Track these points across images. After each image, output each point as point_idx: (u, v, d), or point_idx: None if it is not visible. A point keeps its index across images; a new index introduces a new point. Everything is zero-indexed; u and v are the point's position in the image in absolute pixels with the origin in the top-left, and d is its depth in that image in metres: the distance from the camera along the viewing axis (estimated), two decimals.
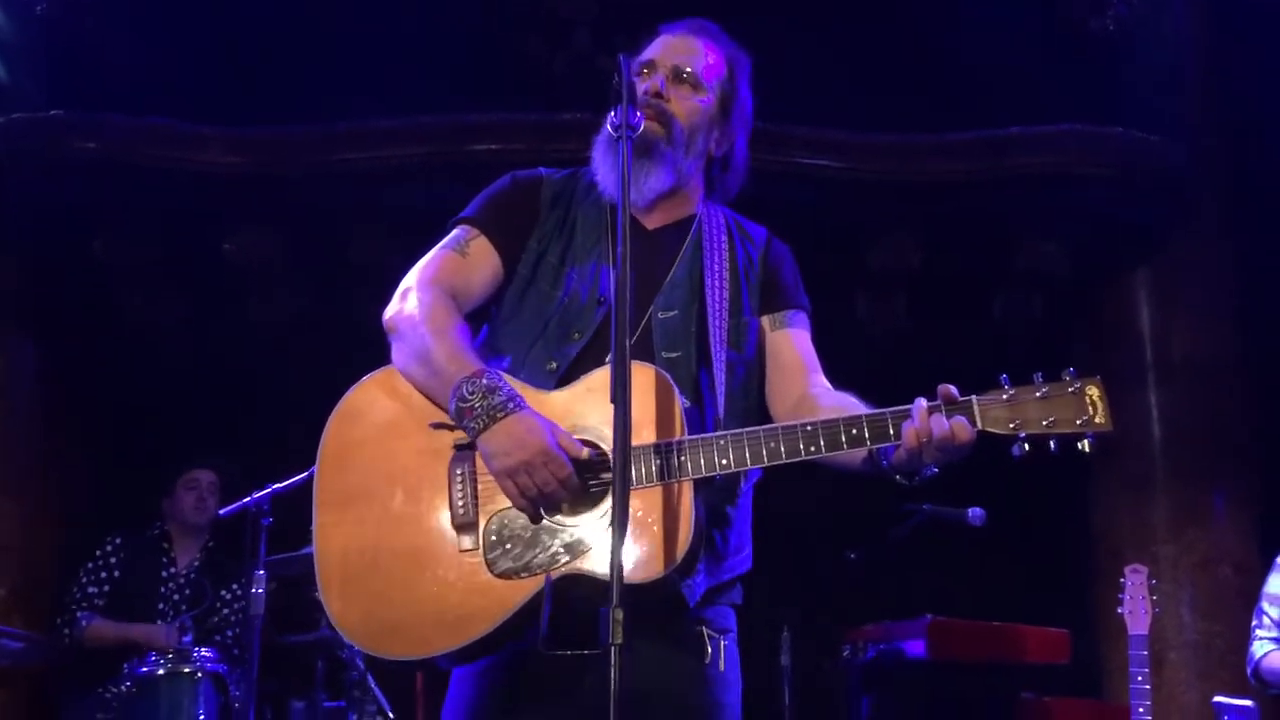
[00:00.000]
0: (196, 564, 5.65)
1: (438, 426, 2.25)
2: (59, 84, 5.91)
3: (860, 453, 2.21)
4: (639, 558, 2.10)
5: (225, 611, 5.56)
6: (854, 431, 2.16)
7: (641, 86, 2.47)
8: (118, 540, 5.59)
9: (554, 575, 2.15)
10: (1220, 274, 6.29)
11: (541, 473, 2.14)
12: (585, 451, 2.19)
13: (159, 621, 5.41)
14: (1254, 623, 4.42)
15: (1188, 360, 6.22)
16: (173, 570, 5.60)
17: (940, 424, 2.11)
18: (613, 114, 2.23)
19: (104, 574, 5.51)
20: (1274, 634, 4.33)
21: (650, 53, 2.55)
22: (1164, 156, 6.06)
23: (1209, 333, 6.25)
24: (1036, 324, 6.48)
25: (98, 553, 5.56)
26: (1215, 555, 6.01)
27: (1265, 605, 4.41)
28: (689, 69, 2.51)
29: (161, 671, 4.81)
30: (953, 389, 2.17)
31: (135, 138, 5.90)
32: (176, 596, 5.56)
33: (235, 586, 5.53)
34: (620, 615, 1.85)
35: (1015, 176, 6.04)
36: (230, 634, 5.52)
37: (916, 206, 6.18)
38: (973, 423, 2.13)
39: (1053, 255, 6.37)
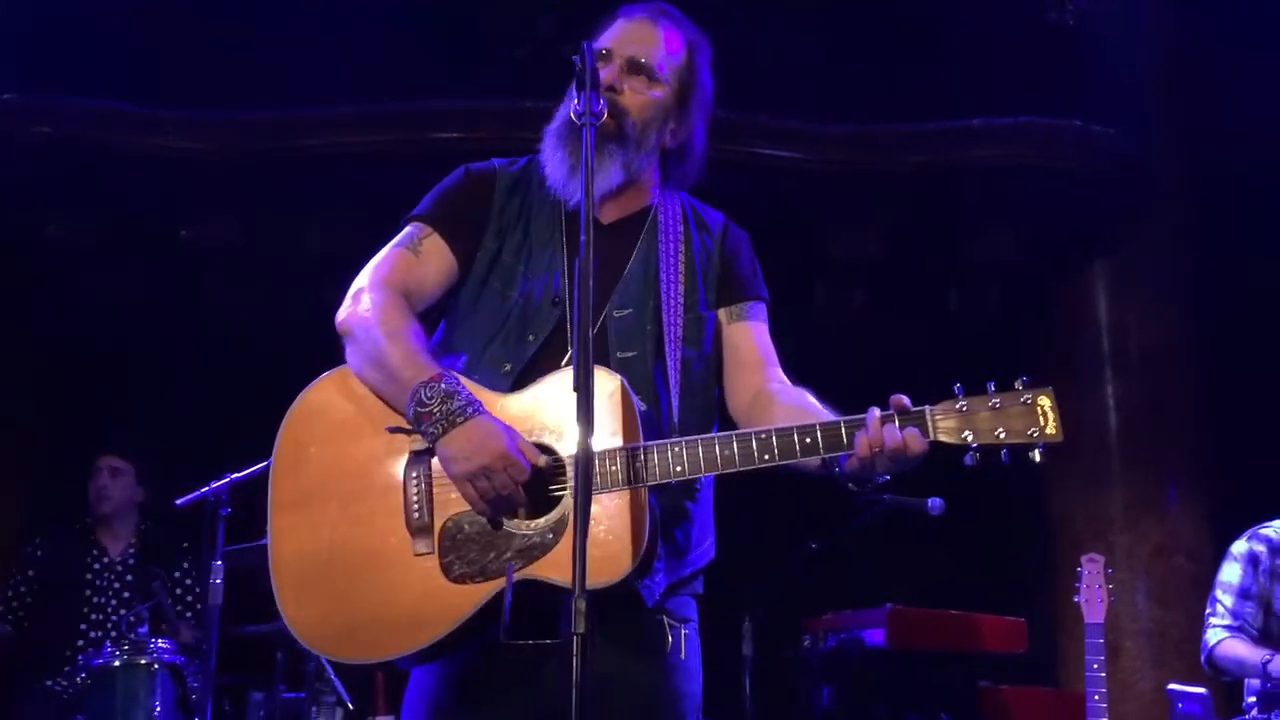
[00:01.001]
0: (133, 551, 5.55)
1: (395, 431, 2.23)
2: (13, 67, 5.81)
3: (813, 459, 2.21)
4: (594, 564, 2.06)
5: (179, 591, 5.50)
6: (808, 440, 2.15)
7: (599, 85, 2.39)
8: (37, 540, 5.51)
9: (516, 576, 2.13)
10: (1177, 266, 6.36)
11: (501, 476, 2.13)
12: (542, 459, 2.18)
13: (94, 615, 5.33)
14: (1208, 611, 4.48)
15: (1144, 352, 6.30)
16: (106, 560, 5.49)
17: (893, 434, 2.11)
18: (576, 101, 2.18)
19: (20, 577, 5.43)
20: (1227, 622, 4.39)
21: (606, 40, 2.47)
22: (1122, 149, 6.12)
23: (1166, 325, 6.32)
24: (994, 315, 6.53)
25: (19, 559, 5.47)
26: (1170, 545, 6.09)
27: (1219, 594, 4.46)
28: (645, 60, 2.44)
29: (117, 663, 4.76)
30: (905, 400, 2.17)
31: (91, 121, 5.82)
32: (117, 584, 5.46)
33: (186, 564, 5.48)
34: (583, 605, 1.85)
35: (974, 168, 6.09)
36: (189, 615, 5.46)
37: (876, 197, 6.21)
38: (925, 434, 2.14)
39: (1011, 247, 6.43)
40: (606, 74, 2.40)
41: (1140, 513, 6.15)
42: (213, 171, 5.94)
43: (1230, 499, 5.73)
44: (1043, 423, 2.16)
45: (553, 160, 2.42)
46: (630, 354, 2.34)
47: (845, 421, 2.16)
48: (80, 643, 5.26)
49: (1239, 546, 4.51)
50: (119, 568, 5.51)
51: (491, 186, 2.50)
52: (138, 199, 6.10)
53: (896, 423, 2.13)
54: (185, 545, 5.53)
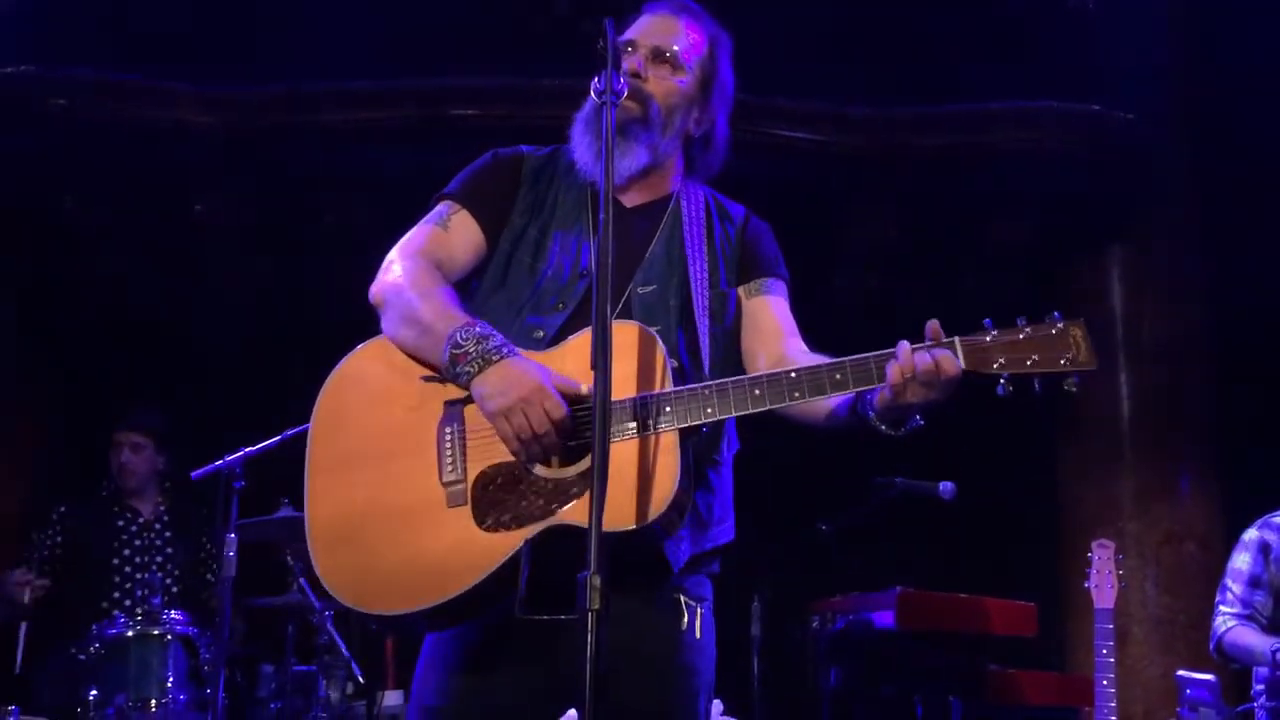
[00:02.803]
0: (164, 509, 5.57)
1: (429, 380, 2.27)
2: (30, 39, 5.82)
3: (844, 403, 2.24)
4: (621, 507, 2.10)
5: (210, 547, 5.53)
6: (838, 376, 2.17)
7: (621, 65, 2.44)
8: (62, 509, 5.49)
9: (537, 529, 2.15)
10: (1191, 253, 6.34)
11: (536, 410, 2.15)
12: (584, 387, 2.19)
13: (139, 575, 5.36)
14: (1218, 598, 4.49)
15: (1157, 339, 6.28)
16: (142, 520, 5.51)
17: (924, 358, 2.12)
18: (597, 79, 2.21)
19: (48, 543, 5.40)
20: (1237, 609, 4.40)
21: (631, 32, 2.53)
22: (1139, 135, 6.09)
23: (1179, 312, 6.30)
24: (1008, 299, 6.50)
25: (48, 522, 5.45)
26: (1180, 532, 6.09)
27: (1229, 581, 4.47)
28: (669, 49, 2.49)
29: (131, 633, 4.79)
30: (938, 326, 2.18)
31: (107, 94, 5.82)
32: (159, 541, 5.48)
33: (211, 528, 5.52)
34: (598, 581, 1.85)
35: (991, 152, 6.06)
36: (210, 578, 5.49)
37: (892, 180, 6.19)
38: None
39: (1026, 231, 6.41)
40: (631, 62, 2.46)
41: (1151, 499, 6.14)
42: (227, 145, 5.94)
43: (1241, 487, 5.72)
44: (1075, 351, 2.15)
45: (581, 145, 2.47)
46: (656, 328, 2.35)
47: (874, 356, 2.17)
48: (127, 602, 5.28)
49: (1250, 534, 4.51)
50: (157, 525, 5.53)
51: (519, 169, 2.55)
52: (152, 172, 6.11)
53: (927, 350, 2.14)
54: (205, 511, 5.56)
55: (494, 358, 2.20)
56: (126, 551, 5.44)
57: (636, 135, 2.43)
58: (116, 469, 5.55)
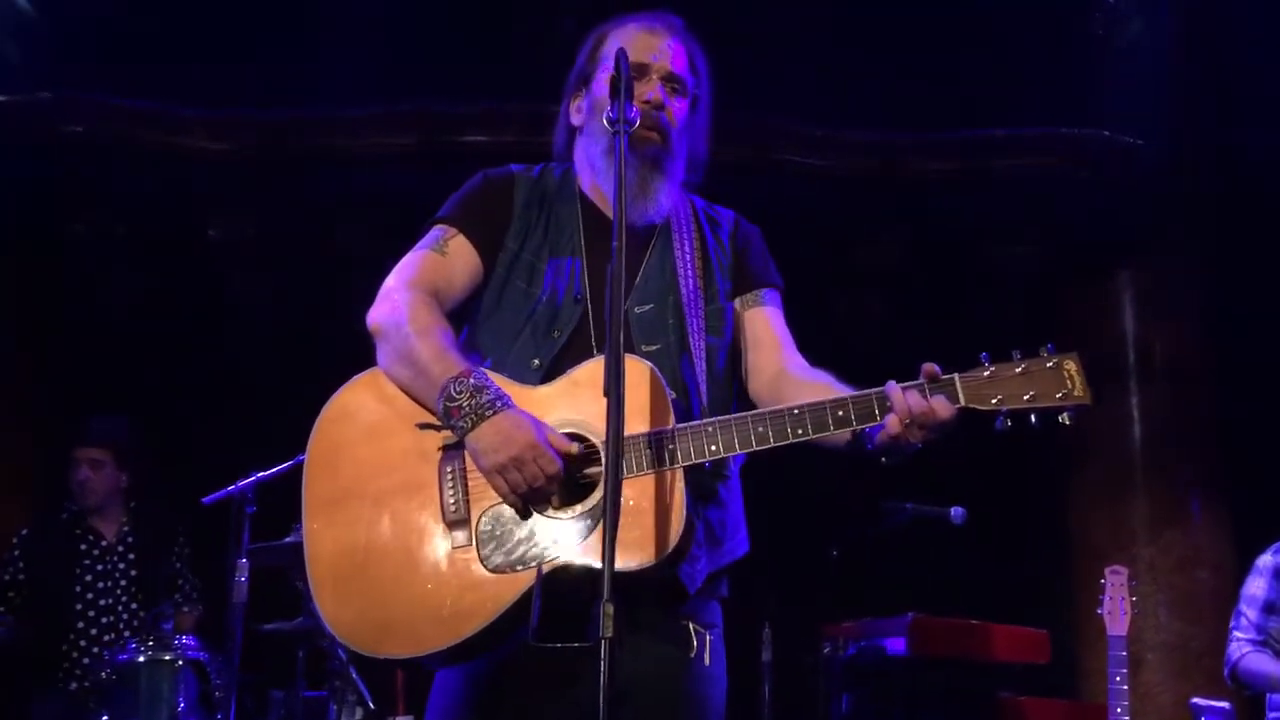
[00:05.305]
0: (128, 530, 5.42)
1: (425, 427, 2.25)
2: (46, 66, 5.87)
3: (844, 433, 2.24)
4: (631, 546, 2.10)
5: (178, 565, 5.45)
6: (840, 413, 2.19)
7: (644, 94, 2.43)
8: (24, 532, 5.40)
9: (545, 568, 2.15)
10: (1201, 278, 6.34)
11: (530, 468, 2.14)
12: (574, 447, 2.20)
13: (101, 601, 5.27)
14: (1232, 624, 4.47)
15: (1168, 363, 6.27)
16: (104, 544, 5.36)
17: (921, 402, 2.15)
18: (609, 109, 2.21)
19: (10, 569, 5.32)
20: (1252, 635, 4.38)
21: (638, 53, 2.47)
22: (1147, 161, 6.09)
23: (1190, 336, 6.30)
24: (1017, 325, 6.51)
25: (9, 549, 5.36)
26: (1193, 558, 6.06)
27: (1244, 607, 4.45)
28: (677, 73, 2.50)
29: (142, 659, 4.78)
30: (936, 367, 2.21)
31: (121, 120, 5.87)
32: (122, 565, 5.36)
33: (181, 548, 5.44)
34: (611, 609, 1.85)
35: (999, 177, 6.07)
36: (194, 594, 5.45)
37: (898, 205, 6.20)
38: (954, 400, 2.18)
39: (1035, 256, 6.41)
40: (652, 93, 2.45)
41: (1163, 525, 6.12)
42: (239, 170, 5.98)
43: (1254, 512, 5.69)
44: (1070, 385, 2.18)
45: (610, 180, 2.40)
46: (654, 347, 2.37)
47: (876, 393, 2.20)
48: (94, 631, 5.21)
49: (1264, 560, 4.49)
50: (120, 548, 5.39)
51: (510, 190, 2.54)
52: (165, 196, 6.15)
53: (926, 391, 2.17)
54: (178, 527, 5.48)
55: (487, 413, 2.17)
56: (89, 577, 5.30)
57: (665, 170, 2.44)
58: (75, 488, 5.37)
